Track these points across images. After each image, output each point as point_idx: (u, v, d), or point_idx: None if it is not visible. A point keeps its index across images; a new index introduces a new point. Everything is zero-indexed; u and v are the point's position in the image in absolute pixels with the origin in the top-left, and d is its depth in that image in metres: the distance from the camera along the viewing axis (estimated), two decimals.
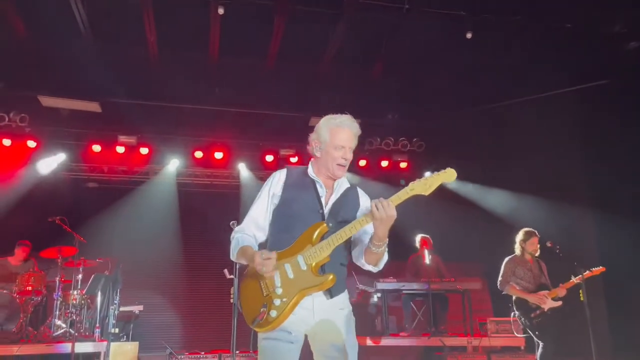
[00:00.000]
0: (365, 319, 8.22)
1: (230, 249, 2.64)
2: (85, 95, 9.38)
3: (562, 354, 8.22)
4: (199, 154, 10.45)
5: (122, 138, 10.02)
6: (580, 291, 4.92)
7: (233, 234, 2.66)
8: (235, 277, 4.42)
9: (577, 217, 10.09)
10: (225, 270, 4.51)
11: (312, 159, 2.80)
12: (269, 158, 10.80)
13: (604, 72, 9.02)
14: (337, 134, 2.71)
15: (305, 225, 2.48)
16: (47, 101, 9.30)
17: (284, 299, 2.31)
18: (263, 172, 11.49)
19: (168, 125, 10.20)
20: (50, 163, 10.29)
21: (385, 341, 7.46)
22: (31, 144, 9.60)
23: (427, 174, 11.92)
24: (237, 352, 5.80)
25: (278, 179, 2.70)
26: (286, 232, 2.52)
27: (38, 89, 9.16)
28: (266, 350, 2.33)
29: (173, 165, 10.83)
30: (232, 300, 4.45)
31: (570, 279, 5.17)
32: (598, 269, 5.16)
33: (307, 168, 2.76)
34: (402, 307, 8.30)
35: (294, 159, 10.95)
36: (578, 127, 10.03)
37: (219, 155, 10.45)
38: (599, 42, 8.51)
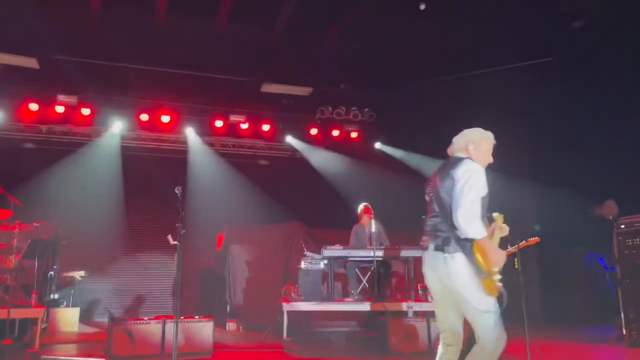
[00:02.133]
0: (314, 285, 8.35)
1: (479, 231, 3.11)
2: (22, 50, 8.78)
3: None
4: (144, 117, 10.09)
5: (62, 97, 9.52)
6: (516, 259, 5.15)
7: (475, 219, 3.10)
8: (179, 242, 4.34)
9: (519, 189, 10.52)
10: (169, 236, 4.43)
11: (469, 156, 3.47)
12: (219, 123, 10.57)
13: (549, 50, 9.30)
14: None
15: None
16: None
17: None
18: (212, 137, 11.26)
19: (112, 85, 9.75)
20: None
21: (331, 306, 7.62)
22: None
23: (378, 145, 12.07)
24: (182, 317, 5.76)
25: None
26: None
27: None
28: None
29: (117, 127, 10.42)
30: (176, 267, 4.39)
31: (507, 248, 5.40)
32: (533, 239, 5.41)
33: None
34: (346, 273, 8.48)
35: (244, 125, 10.78)
36: (524, 102, 10.38)
37: (165, 118, 10.14)
38: (545, 21, 8.73)
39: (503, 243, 5.47)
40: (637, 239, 7.50)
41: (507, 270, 5.56)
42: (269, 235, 9.81)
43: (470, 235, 3.06)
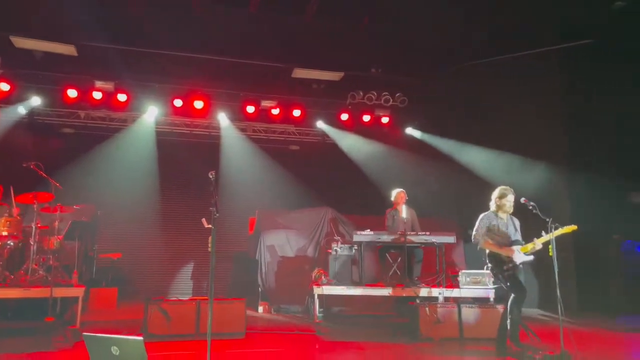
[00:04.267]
0: (344, 270, 8.41)
1: None
2: (61, 37, 9.01)
3: (529, 305, 8.61)
4: (178, 103, 10.25)
5: (99, 84, 9.75)
6: (550, 247, 5.07)
7: None
8: (213, 226, 4.44)
9: (552, 175, 10.28)
10: (204, 220, 4.52)
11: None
12: (250, 109, 10.65)
13: (588, 32, 8.99)
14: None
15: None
16: (20, 42, 8.92)
17: None
18: (244, 122, 11.38)
19: (147, 72, 9.92)
20: (24, 107, 10.03)
21: (362, 291, 7.68)
22: (4, 86, 9.29)
23: (409, 130, 11.96)
24: (215, 298, 5.90)
25: None
26: None
27: (11, 29, 8.76)
28: None
29: (151, 113, 10.64)
30: (209, 249, 4.49)
31: (542, 235, 5.32)
32: (570, 227, 5.29)
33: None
34: (378, 258, 8.50)
35: (275, 111, 10.83)
36: (559, 85, 10.09)
37: (198, 104, 10.27)
38: (584, 1, 8.44)
39: (538, 231, 5.40)
40: None
41: (541, 259, 5.50)
42: (299, 219, 9.90)
43: None
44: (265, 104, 10.71)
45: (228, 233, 10.87)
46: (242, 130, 11.48)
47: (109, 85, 9.78)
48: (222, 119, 11.00)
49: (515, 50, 9.47)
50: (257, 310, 8.88)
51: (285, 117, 11.14)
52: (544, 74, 9.79)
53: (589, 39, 9.03)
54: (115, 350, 2.85)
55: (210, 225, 4.48)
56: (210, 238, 4.53)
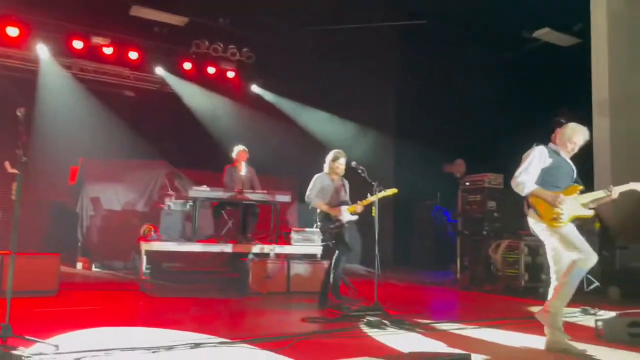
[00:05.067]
0: (177, 226, 8.13)
1: (528, 186, 3.81)
2: None
3: (352, 261, 9.31)
4: None
5: None
6: (373, 208, 5.46)
7: (523, 179, 3.82)
8: (19, 171, 3.85)
9: (380, 143, 11.12)
10: (7, 163, 3.90)
11: (551, 143, 4.01)
12: (78, 44, 9.49)
13: (423, 13, 9.70)
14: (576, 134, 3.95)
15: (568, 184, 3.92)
16: None
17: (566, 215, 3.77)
18: (69, 59, 10.09)
19: None
20: None
21: (193, 247, 7.50)
22: None
23: (254, 87, 11.81)
24: (23, 253, 5.26)
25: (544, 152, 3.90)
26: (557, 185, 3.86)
27: None
28: (569, 232, 3.79)
29: None
30: (13, 197, 3.91)
31: (367, 197, 5.70)
32: (391, 191, 5.75)
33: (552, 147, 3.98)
34: (213, 215, 8.37)
35: (108, 50, 9.80)
36: (393, 60, 10.86)
37: (12, 31, 8.82)
38: None
39: (364, 193, 5.78)
40: (478, 196, 8.41)
41: (364, 219, 5.91)
42: (130, 171, 9.25)
43: None
44: (97, 40, 9.63)
45: (45, 181, 9.72)
46: (67, 67, 10.18)
47: None
48: (43, 51, 9.60)
49: (357, 21, 9.85)
50: (75, 266, 8.17)
51: (120, 59, 10.18)
52: (381, 48, 10.41)
53: (424, 20, 9.76)
54: None
55: (15, 170, 3.88)
56: (15, 185, 3.94)
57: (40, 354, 3.21)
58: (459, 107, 10.51)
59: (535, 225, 3.89)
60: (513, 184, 3.88)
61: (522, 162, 3.91)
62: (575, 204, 3.83)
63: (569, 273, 3.75)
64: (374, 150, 10.46)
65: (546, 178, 3.85)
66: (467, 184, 8.51)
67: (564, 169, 3.93)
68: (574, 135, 3.94)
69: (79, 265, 8.22)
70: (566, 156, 3.97)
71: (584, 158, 4.31)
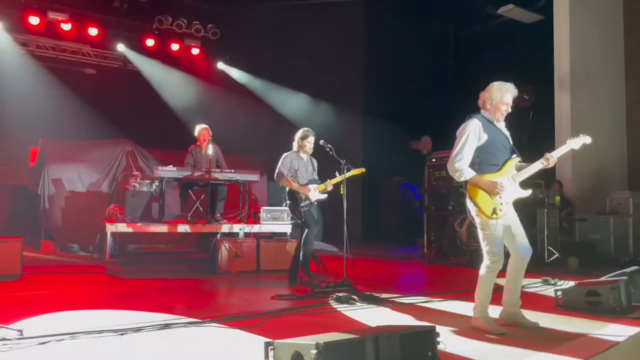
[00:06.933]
0: (143, 206, 8.00)
1: (465, 173, 3.55)
2: None
3: (322, 238, 9.39)
4: None
5: None
6: (342, 186, 5.50)
7: (460, 165, 3.54)
8: None
9: (349, 122, 11.12)
10: None
11: (483, 110, 3.74)
12: (34, 20, 9.10)
13: None
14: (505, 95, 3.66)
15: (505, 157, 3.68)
16: None
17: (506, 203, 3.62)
18: (25, 35, 9.68)
19: None
20: None
21: (160, 228, 7.40)
22: None
23: (220, 65, 11.58)
24: None
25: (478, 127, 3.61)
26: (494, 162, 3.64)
27: None
28: (497, 236, 3.59)
29: None
30: None
31: (336, 175, 5.72)
32: (359, 170, 5.79)
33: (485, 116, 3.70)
34: (180, 195, 8.26)
35: (66, 26, 9.43)
36: (361, 38, 10.83)
37: None
38: None
39: (333, 171, 5.80)
40: (443, 172, 8.52)
41: (332, 197, 5.96)
42: (93, 152, 9.00)
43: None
44: (54, 16, 9.25)
45: (5, 164, 9.40)
46: (24, 44, 9.77)
47: None
48: None
49: None
50: (38, 250, 7.98)
51: (80, 36, 9.84)
52: (346, 23, 10.35)
53: None
54: None
55: None
56: None
57: (3, 339, 3.14)
58: (424, 83, 10.59)
59: (474, 215, 3.61)
60: (450, 169, 3.59)
61: (457, 139, 3.59)
62: (514, 186, 3.61)
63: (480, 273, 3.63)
64: (342, 127, 10.47)
65: (482, 157, 3.58)
66: (434, 160, 8.62)
67: (500, 142, 3.63)
68: (504, 95, 3.62)
69: (44, 247, 8.03)
70: (500, 123, 3.69)
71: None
